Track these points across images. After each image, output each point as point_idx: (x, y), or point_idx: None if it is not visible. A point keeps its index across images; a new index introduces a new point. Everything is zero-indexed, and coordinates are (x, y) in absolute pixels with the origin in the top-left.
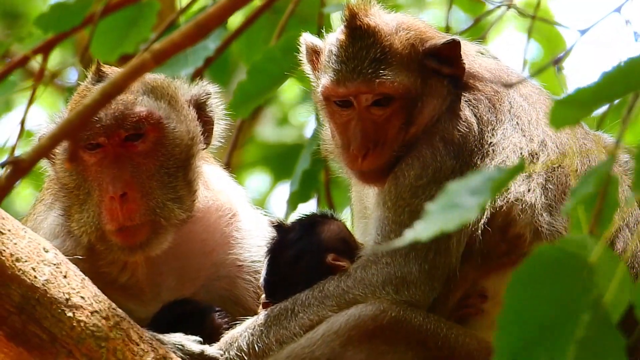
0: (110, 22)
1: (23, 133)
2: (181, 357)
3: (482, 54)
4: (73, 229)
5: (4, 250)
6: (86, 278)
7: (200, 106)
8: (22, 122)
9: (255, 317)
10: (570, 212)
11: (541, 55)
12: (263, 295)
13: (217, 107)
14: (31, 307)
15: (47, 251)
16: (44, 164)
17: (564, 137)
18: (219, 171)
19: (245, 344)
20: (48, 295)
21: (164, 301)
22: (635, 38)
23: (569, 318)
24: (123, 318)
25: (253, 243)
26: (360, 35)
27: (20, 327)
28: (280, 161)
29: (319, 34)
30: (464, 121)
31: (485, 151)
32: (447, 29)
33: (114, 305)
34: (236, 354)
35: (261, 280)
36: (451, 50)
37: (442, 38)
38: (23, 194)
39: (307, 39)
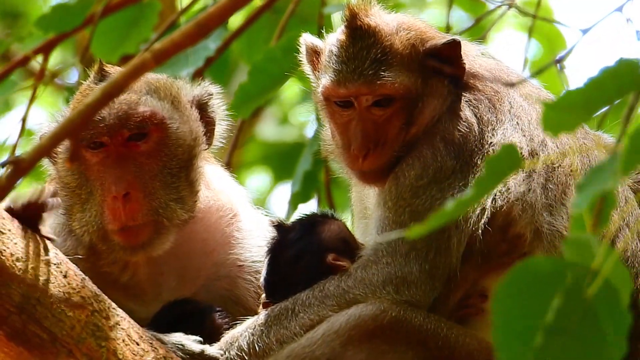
0: (111, 22)
1: (24, 132)
2: (181, 357)
3: (482, 54)
4: (74, 228)
5: (5, 250)
6: (86, 278)
7: (202, 106)
8: (24, 120)
9: (256, 317)
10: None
11: (542, 54)
12: (263, 295)
13: (219, 108)
14: (31, 307)
15: (47, 251)
16: (45, 163)
17: (564, 137)
18: (220, 171)
19: (245, 343)
20: (48, 294)
21: (164, 301)
22: (638, 37)
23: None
24: (123, 318)
25: (254, 243)
26: (360, 35)
27: (21, 327)
28: (280, 160)
29: (320, 34)
30: (464, 121)
31: (485, 151)
32: (448, 29)
33: (114, 305)
34: (236, 353)
35: (261, 280)
36: (451, 50)
37: (442, 38)
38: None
39: (307, 39)
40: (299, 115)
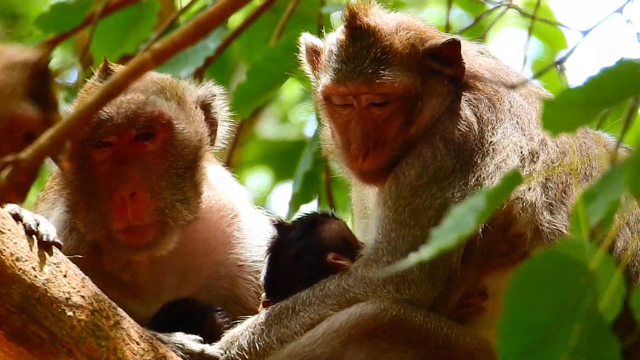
0: (111, 22)
1: None
2: (181, 356)
3: (482, 53)
4: (78, 226)
5: (4, 250)
6: (86, 277)
7: (206, 107)
8: None
9: (256, 316)
10: (572, 212)
11: (542, 53)
12: (263, 294)
13: (222, 109)
14: (31, 307)
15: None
16: (48, 161)
17: (563, 136)
18: (221, 171)
19: (246, 342)
20: (48, 294)
21: (164, 300)
22: (638, 39)
23: (566, 323)
24: (123, 317)
25: (254, 243)
26: (360, 35)
27: (21, 327)
28: (280, 160)
29: (319, 34)
30: (464, 120)
31: (485, 150)
32: (447, 28)
33: (114, 304)
34: (237, 352)
35: (262, 279)
36: (451, 50)
37: (442, 38)
38: None
39: (306, 39)
40: (299, 114)
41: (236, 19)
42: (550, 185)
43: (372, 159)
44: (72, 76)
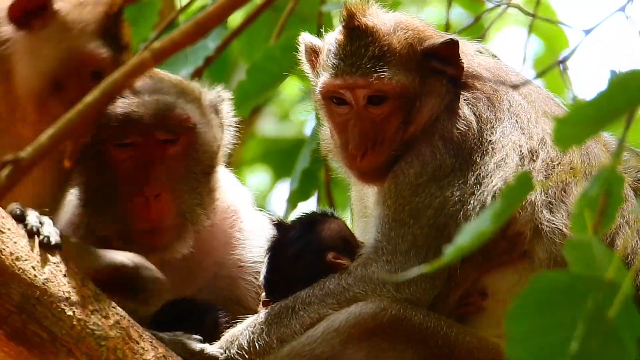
0: None
1: None
2: (181, 356)
3: (481, 52)
4: (91, 222)
5: (4, 249)
6: (86, 277)
7: (216, 111)
8: None
9: (256, 315)
10: (574, 209)
11: (543, 51)
12: (263, 294)
13: (229, 113)
14: (31, 306)
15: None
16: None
17: None
18: (223, 171)
19: (245, 342)
20: (48, 294)
21: (165, 300)
22: None
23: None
24: (123, 317)
25: (255, 244)
26: (358, 35)
27: (21, 326)
28: (280, 158)
29: (319, 33)
30: (463, 119)
31: (484, 149)
32: (447, 27)
33: (113, 303)
34: (237, 352)
35: (261, 278)
36: (449, 49)
37: (440, 37)
38: None
39: (306, 38)
40: (298, 113)
41: (236, 18)
42: (550, 183)
43: (370, 159)
44: None
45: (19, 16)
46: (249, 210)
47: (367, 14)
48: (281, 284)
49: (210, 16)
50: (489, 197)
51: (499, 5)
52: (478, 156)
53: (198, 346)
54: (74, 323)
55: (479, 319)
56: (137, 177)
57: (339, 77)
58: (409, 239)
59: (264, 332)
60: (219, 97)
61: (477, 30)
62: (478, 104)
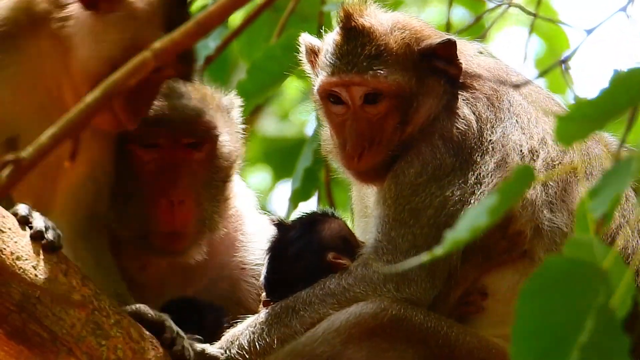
0: None
1: None
2: None
3: (480, 53)
4: (108, 220)
5: (5, 249)
6: (87, 276)
7: (229, 118)
8: None
9: (256, 315)
10: (577, 210)
11: (544, 51)
12: (264, 294)
13: (239, 119)
14: (32, 306)
15: None
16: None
17: None
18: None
19: (246, 342)
20: (49, 293)
21: (166, 299)
22: None
23: (579, 325)
24: (124, 316)
25: (257, 246)
26: (354, 34)
27: (21, 326)
28: (281, 158)
29: (319, 33)
30: (462, 119)
31: (484, 148)
32: (448, 27)
33: (114, 303)
34: (237, 352)
35: (261, 278)
36: (447, 49)
37: (438, 37)
38: None
39: (305, 39)
40: (299, 112)
41: (236, 18)
42: (551, 183)
43: (368, 159)
44: None
45: None
46: (253, 212)
47: (365, 14)
48: (281, 284)
49: (211, 16)
50: None
51: (500, 5)
52: (478, 156)
53: (199, 346)
54: (75, 322)
55: (479, 319)
56: (162, 180)
57: (335, 75)
58: (409, 238)
59: (264, 332)
60: (232, 103)
61: (478, 30)
62: (477, 103)
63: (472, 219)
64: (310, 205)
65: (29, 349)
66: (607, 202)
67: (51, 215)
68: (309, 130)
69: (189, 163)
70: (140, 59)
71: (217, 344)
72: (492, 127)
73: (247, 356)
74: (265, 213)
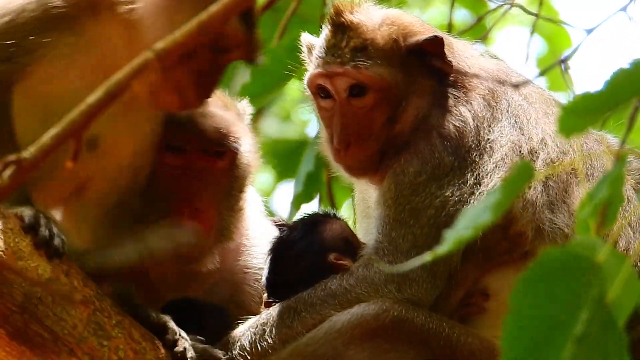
0: None
1: None
2: None
3: (481, 55)
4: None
5: (6, 249)
6: (88, 277)
7: None
8: None
9: (258, 316)
10: (578, 212)
11: (546, 50)
12: (265, 295)
13: (249, 127)
14: (33, 306)
15: None
16: None
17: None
18: None
19: (247, 343)
20: (50, 293)
21: (168, 300)
22: None
23: (573, 318)
24: (125, 317)
25: (260, 250)
26: (342, 30)
27: (22, 326)
28: (282, 158)
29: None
30: (459, 117)
31: (482, 147)
32: (450, 27)
33: (116, 303)
34: (239, 353)
35: (263, 279)
36: (434, 46)
37: (426, 34)
38: None
39: (306, 39)
40: (301, 113)
41: None
42: (551, 184)
43: (354, 152)
44: None
45: None
46: (257, 215)
47: (355, 11)
48: (283, 285)
49: (213, 16)
50: None
51: (502, 6)
52: (476, 155)
53: (201, 347)
54: (76, 323)
55: (480, 320)
56: (187, 187)
57: (320, 68)
58: (409, 238)
59: (266, 333)
60: (245, 111)
61: (479, 30)
62: (472, 102)
63: (475, 216)
64: (311, 207)
65: (30, 349)
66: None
67: (83, 195)
68: (311, 131)
69: (213, 172)
70: (142, 60)
71: (219, 345)
72: (489, 125)
73: (249, 357)
74: (267, 214)
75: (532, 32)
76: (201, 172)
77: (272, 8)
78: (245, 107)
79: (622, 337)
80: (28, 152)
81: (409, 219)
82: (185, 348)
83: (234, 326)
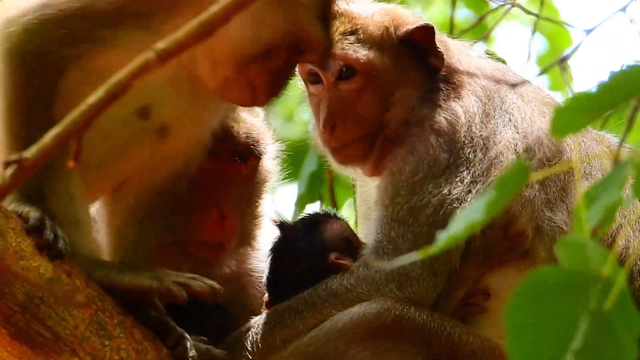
0: None
1: None
2: None
3: (473, 52)
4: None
5: (8, 249)
6: (91, 276)
7: None
8: None
9: (259, 317)
10: (575, 210)
11: (546, 50)
12: (266, 295)
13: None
14: (35, 306)
15: None
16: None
17: None
18: None
19: (249, 343)
20: (52, 293)
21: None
22: None
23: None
24: (127, 317)
25: (265, 253)
26: (334, 17)
27: (24, 326)
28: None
29: None
30: (449, 111)
31: (475, 144)
32: (452, 27)
33: (117, 303)
34: (240, 353)
35: (264, 279)
36: (423, 34)
37: (417, 23)
38: None
39: None
40: (304, 113)
41: None
42: (549, 182)
43: (339, 134)
44: None
45: None
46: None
47: (351, 2)
48: (284, 285)
49: (214, 17)
50: None
51: (503, 5)
52: (471, 152)
53: (203, 347)
54: (78, 323)
55: (482, 320)
56: (215, 190)
57: None
58: (409, 237)
59: (267, 333)
60: (261, 114)
61: (481, 30)
62: (464, 98)
63: (469, 214)
64: (314, 208)
65: (32, 349)
66: (603, 208)
67: (131, 183)
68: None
69: (240, 177)
70: (143, 59)
71: (221, 345)
72: (481, 122)
73: (251, 357)
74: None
75: (533, 32)
76: (230, 177)
77: None
78: (260, 110)
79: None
80: (29, 152)
81: (407, 218)
82: (187, 348)
83: (236, 326)
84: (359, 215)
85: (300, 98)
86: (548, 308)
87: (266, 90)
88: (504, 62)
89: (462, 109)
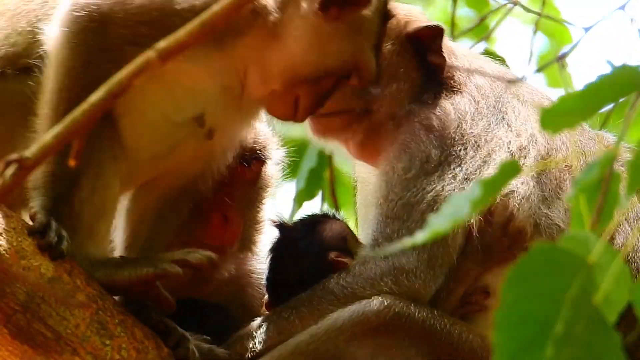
0: None
1: None
2: None
3: (468, 52)
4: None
5: (9, 248)
6: (91, 276)
7: None
8: None
9: (260, 317)
10: (572, 206)
11: (547, 48)
12: (266, 296)
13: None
14: (36, 305)
15: None
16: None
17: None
18: None
19: (250, 343)
20: (53, 293)
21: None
22: None
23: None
24: (128, 316)
25: (264, 254)
26: None
27: (25, 325)
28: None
29: None
30: (439, 108)
31: (466, 141)
32: (453, 26)
33: (118, 302)
34: (241, 353)
35: (264, 279)
36: (433, 34)
37: (426, 22)
38: None
39: None
40: None
41: None
42: (544, 180)
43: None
44: None
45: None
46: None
47: None
48: (284, 285)
49: (215, 16)
50: None
51: (504, 5)
52: (462, 149)
53: (205, 347)
54: (79, 322)
55: (482, 318)
56: (221, 194)
57: None
58: (404, 233)
59: (267, 333)
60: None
61: (482, 30)
62: (455, 96)
63: (454, 210)
64: (314, 206)
65: (33, 348)
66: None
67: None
68: None
69: (245, 181)
70: (144, 59)
71: (223, 345)
72: (472, 119)
73: (252, 357)
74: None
75: (534, 32)
76: (235, 181)
77: None
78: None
79: (614, 337)
80: (30, 152)
81: (402, 214)
82: (188, 347)
83: (236, 326)
84: (359, 217)
85: None
86: (540, 285)
87: (308, 108)
88: (503, 61)
89: (452, 106)
